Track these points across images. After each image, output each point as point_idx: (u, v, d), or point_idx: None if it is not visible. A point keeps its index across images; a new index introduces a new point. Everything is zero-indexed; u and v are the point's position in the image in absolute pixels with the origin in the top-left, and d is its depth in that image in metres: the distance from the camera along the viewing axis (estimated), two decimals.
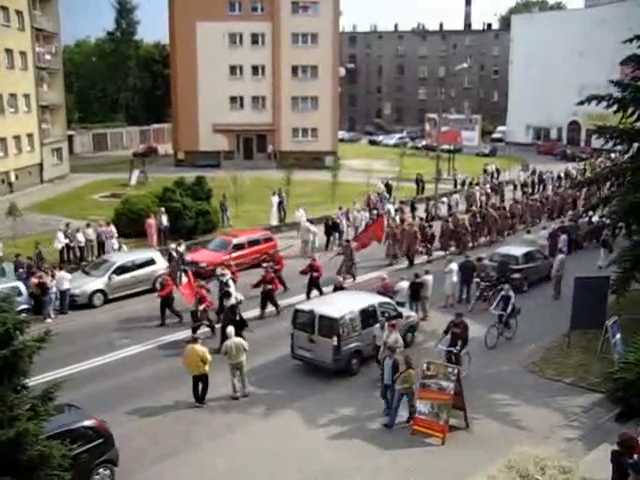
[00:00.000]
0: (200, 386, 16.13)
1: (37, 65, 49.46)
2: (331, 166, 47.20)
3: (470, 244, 31.29)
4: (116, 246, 28.18)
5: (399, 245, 29.14)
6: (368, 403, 16.28)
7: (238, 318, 19.18)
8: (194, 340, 16.23)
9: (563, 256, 25.02)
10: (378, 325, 17.47)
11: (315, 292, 23.49)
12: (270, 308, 22.33)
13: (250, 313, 21.40)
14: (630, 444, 10.62)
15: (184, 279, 22.13)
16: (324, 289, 23.54)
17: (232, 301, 19.60)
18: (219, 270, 22.67)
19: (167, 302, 21.67)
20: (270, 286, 22.18)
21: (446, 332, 17.45)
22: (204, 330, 20.26)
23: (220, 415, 15.71)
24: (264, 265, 23.53)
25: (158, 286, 22.53)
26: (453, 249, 30.44)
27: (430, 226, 30.44)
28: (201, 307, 20.08)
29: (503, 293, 20.28)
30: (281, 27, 57.08)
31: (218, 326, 19.98)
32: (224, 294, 20.26)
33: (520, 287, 24.79)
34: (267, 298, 22.21)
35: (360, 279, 26.33)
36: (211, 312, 20.72)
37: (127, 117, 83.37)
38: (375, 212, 34.86)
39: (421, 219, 32.55)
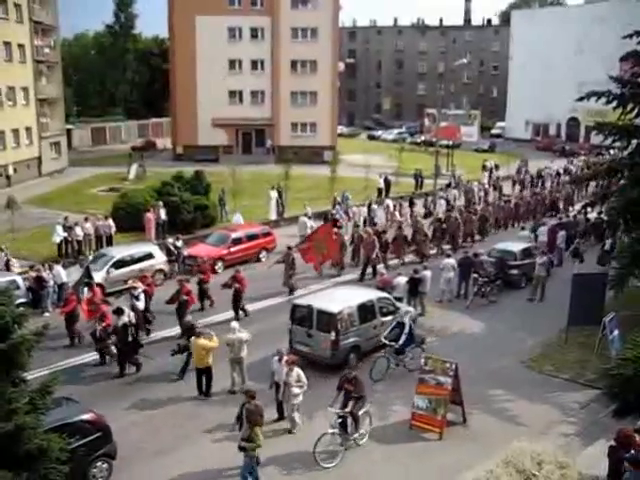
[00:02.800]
0: (205, 379, 16.30)
1: (35, 58, 49.35)
2: (330, 161, 47.13)
3: (433, 251, 29.36)
4: (4, 259, 24.22)
5: (357, 254, 27.46)
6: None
7: (130, 339, 17.51)
8: (198, 335, 16.29)
9: (546, 258, 24.30)
10: (276, 358, 15.13)
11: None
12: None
13: (173, 331, 20.10)
14: (627, 441, 10.65)
15: (87, 293, 19.75)
16: (263, 302, 22.76)
17: (124, 319, 17.50)
18: (130, 282, 20.83)
19: (71, 319, 19.42)
20: (186, 299, 19.86)
21: (339, 388, 14.05)
22: (94, 357, 18.43)
23: (218, 409, 15.71)
24: (180, 277, 21.83)
25: (61, 302, 20.41)
26: (411, 257, 28.48)
27: (384, 232, 28.33)
28: (100, 325, 18.03)
29: (398, 319, 17.68)
30: (280, 21, 56.97)
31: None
32: (115, 311, 17.88)
33: (518, 283, 24.86)
34: (180, 313, 19.84)
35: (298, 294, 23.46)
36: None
37: (126, 111, 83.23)
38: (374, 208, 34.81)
39: (374, 224, 30.55)
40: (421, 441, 14.34)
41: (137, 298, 19.53)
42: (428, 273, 22.48)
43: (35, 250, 28.23)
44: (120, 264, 24.25)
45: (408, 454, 13.86)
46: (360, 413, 14.01)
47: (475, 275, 23.58)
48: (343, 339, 17.42)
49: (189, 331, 17.10)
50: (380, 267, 24.60)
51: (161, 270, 25.42)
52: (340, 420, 13.77)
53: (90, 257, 24.80)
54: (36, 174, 49.04)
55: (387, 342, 17.22)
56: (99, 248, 27.99)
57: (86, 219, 28.97)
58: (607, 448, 11.12)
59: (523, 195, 38.96)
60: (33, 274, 22.18)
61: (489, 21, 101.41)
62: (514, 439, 13.16)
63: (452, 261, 23.81)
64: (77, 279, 20.83)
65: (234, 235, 27.95)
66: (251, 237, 28.38)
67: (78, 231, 27.83)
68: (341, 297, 18.79)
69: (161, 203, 30.91)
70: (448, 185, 42.88)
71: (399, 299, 20.60)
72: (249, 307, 22.02)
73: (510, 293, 24.36)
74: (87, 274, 20.68)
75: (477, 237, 31.85)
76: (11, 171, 44.84)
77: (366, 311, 18.30)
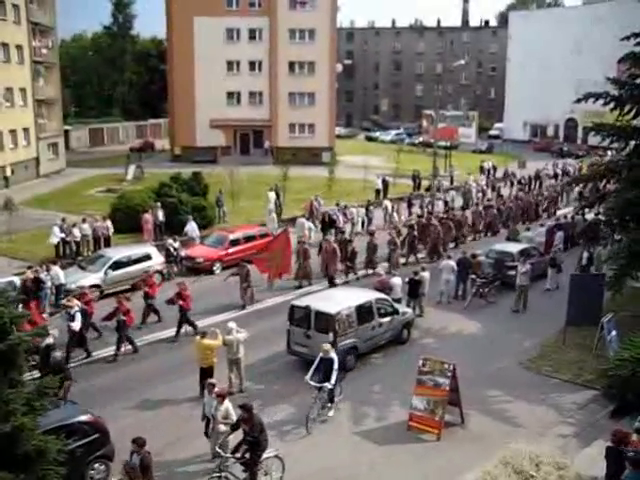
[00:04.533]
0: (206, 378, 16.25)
1: (33, 59, 49.34)
2: (328, 162, 47.11)
3: (403, 260, 27.64)
4: None
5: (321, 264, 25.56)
6: (363, 399, 16.32)
7: (52, 361, 15.78)
8: (202, 334, 16.27)
9: (529, 266, 23.08)
10: (206, 391, 13.81)
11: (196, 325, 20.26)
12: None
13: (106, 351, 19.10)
14: (624, 440, 10.68)
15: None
16: (216, 316, 21.44)
17: (48, 341, 16.09)
18: (64, 301, 19.29)
19: None
20: (124, 318, 18.71)
21: (234, 427, 12.23)
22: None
23: None
24: (120, 295, 20.66)
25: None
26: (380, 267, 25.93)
27: (350, 241, 26.83)
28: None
29: (321, 355, 15.18)
30: (278, 23, 56.99)
31: None
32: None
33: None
34: (119, 333, 18.79)
35: (261, 305, 22.95)
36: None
37: (123, 112, 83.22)
38: (371, 208, 34.72)
39: (342, 232, 28.94)
40: (419, 442, 14.33)
41: (72, 318, 18.12)
42: (427, 274, 22.49)
43: (33, 251, 28.18)
44: (118, 265, 24.25)
45: (406, 455, 13.86)
46: (263, 457, 12.08)
47: (473, 276, 23.61)
48: (341, 340, 17.42)
49: (57, 370, 14.85)
50: (378, 269, 24.43)
51: (159, 271, 25.42)
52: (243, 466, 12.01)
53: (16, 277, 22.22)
54: (34, 175, 49.01)
55: (314, 384, 14.92)
56: (97, 249, 27.97)
57: (84, 220, 28.92)
58: (605, 449, 11.13)
59: (504, 200, 37.30)
60: (31, 275, 22.13)
61: (487, 22, 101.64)
62: (512, 440, 13.18)
63: (452, 263, 23.78)
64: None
65: (232, 236, 27.93)
66: (249, 238, 28.33)
67: (76, 232, 27.81)
68: (339, 298, 18.80)
69: (159, 204, 30.89)
70: (427, 189, 41.65)
71: (397, 300, 20.61)
72: (203, 322, 20.76)
73: (509, 294, 24.32)
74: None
75: (451, 245, 30.18)
76: (9, 172, 44.77)
77: (364, 312, 18.30)
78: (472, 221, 32.85)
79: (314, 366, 15.18)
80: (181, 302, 19.82)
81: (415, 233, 28.82)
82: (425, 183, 43.71)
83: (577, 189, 40.06)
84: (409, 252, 28.47)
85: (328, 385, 14.83)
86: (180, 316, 19.96)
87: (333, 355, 15.11)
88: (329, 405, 15.16)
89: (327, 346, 15.29)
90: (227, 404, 13.08)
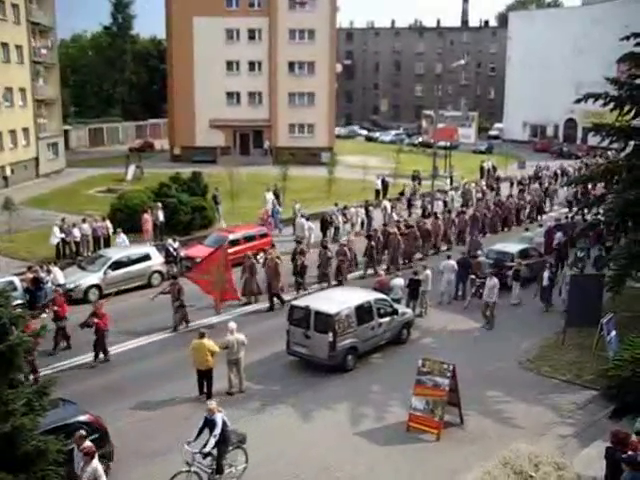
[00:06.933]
0: (206, 381, 16.27)
1: (33, 59, 49.33)
2: (328, 162, 47.12)
3: (357, 272, 26.13)
4: None
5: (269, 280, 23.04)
6: (363, 399, 16.32)
7: None
8: (201, 335, 16.22)
9: (496, 280, 21.41)
10: (74, 445, 11.32)
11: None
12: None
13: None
14: (623, 442, 10.68)
15: None
16: (145, 337, 20.14)
17: None
18: None
19: None
20: (27, 338, 16.66)
21: None
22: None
23: None
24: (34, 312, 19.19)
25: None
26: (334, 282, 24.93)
27: (302, 253, 24.89)
28: None
29: (206, 415, 12.49)
30: (278, 23, 57.01)
31: None
32: None
33: None
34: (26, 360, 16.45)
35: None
36: None
37: (123, 112, 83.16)
38: (370, 210, 34.64)
39: (299, 242, 26.69)
40: (418, 442, 14.32)
41: None
42: (429, 272, 22.42)
43: (33, 251, 28.18)
44: (118, 265, 24.27)
45: (405, 455, 13.86)
46: None
47: (472, 276, 23.61)
48: (340, 340, 17.43)
49: None
50: (379, 269, 24.38)
51: (159, 271, 25.43)
52: None
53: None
54: (33, 175, 49.00)
55: (189, 449, 12.18)
56: (97, 249, 27.96)
57: (84, 220, 28.92)
58: (604, 449, 11.14)
59: (478, 206, 36.00)
60: (30, 275, 22.15)
61: (486, 22, 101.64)
62: (511, 440, 13.18)
63: (452, 262, 23.74)
64: None
65: (231, 237, 27.89)
66: (248, 239, 28.34)
67: (76, 232, 27.81)
68: (339, 298, 18.80)
69: (159, 204, 30.88)
70: (401, 193, 40.60)
71: (397, 301, 20.62)
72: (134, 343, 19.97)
73: (508, 294, 24.32)
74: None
75: (417, 256, 28.56)
76: (8, 172, 44.77)
77: (364, 312, 18.31)
78: (444, 230, 30.58)
79: (197, 430, 12.54)
80: (96, 320, 18.07)
81: (373, 243, 26.95)
82: (424, 185, 43.65)
83: (563, 192, 40.21)
84: (368, 263, 26.78)
85: (206, 453, 12.18)
86: (97, 338, 18.24)
87: (217, 417, 12.37)
88: (216, 477, 12.47)
89: (212, 404, 12.68)
90: (95, 464, 10.95)
